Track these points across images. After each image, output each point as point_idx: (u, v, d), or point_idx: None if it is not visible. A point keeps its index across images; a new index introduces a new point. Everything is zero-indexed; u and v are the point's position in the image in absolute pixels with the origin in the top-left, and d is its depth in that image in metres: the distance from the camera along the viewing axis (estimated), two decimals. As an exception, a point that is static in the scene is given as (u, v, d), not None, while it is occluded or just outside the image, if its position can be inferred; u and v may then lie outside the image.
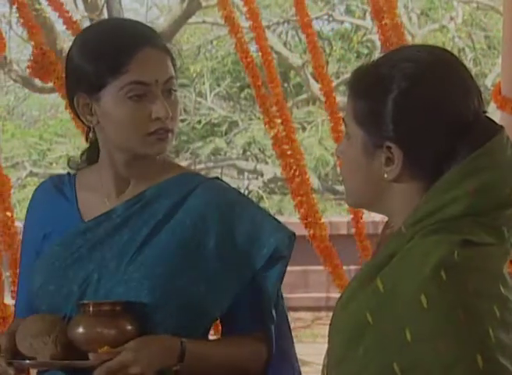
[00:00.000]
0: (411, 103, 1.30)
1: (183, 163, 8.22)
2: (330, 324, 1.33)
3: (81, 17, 8.28)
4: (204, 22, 10.58)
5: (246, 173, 11.05)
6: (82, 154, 1.83)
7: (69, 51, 1.76)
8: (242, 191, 11.15)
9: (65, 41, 7.78)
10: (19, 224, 3.87)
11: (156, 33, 1.75)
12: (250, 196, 10.61)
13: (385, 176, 1.32)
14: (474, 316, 1.21)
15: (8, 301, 4.21)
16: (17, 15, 4.53)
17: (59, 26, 7.81)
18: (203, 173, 11.05)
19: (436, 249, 1.24)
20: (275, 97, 5.07)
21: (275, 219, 1.77)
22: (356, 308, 1.27)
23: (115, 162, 1.74)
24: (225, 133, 11.90)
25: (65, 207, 1.78)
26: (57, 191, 1.80)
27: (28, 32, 3.77)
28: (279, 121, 5.24)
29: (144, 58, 1.68)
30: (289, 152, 5.24)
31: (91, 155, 1.80)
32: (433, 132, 1.30)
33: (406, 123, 1.30)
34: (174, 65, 1.74)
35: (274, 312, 1.74)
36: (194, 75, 11.79)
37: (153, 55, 1.69)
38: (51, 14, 7.53)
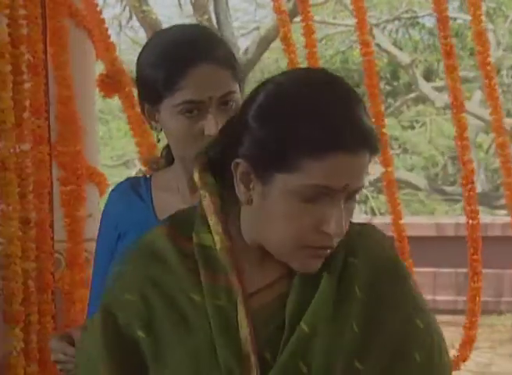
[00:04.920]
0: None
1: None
2: None
3: (185, 18, 8.34)
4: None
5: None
6: (161, 155, 1.85)
7: (139, 55, 1.77)
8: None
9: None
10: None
11: (218, 45, 1.72)
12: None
13: None
14: None
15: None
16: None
17: (166, 26, 7.90)
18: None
19: None
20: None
21: None
22: None
23: (185, 163, 1.75)
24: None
25: (141, 207, 1.80)
26: (133, 192, 1.82)
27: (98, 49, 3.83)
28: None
29: (197, 76, 1.67)
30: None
31: (169, 156, 1.81)
32: None
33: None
34: (236, 77, 1.71)
35: None
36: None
37: (208, 71, 1.67)
38: (161, 15, 7.61)
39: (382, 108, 5.17)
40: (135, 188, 1.83)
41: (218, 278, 1.29)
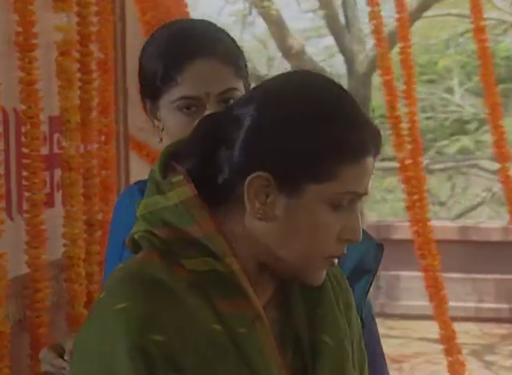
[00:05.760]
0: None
1: (426, 162, 7.94)
2: None
3: (304, 13, 8.21)
4: (448, 14, 10.17)
5: (490, 174, 10.52)
6: None
7: (141, 50, 1.71)
8: (485, 193, 10.52)
9: (296, 37, 7.75)
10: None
11: (221, 41, 1.65)
12: (492, 198, 10.05)
13: None
14: None
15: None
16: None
17: (288, 21, 7.79)
18: (449, 172, 10.52)
19: None
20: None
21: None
22: None
23: None
24: (474, 131, 11.38)
25: None
26: (142, 195, 1.73)
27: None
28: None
29: (195, 70, 1.61)
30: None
31: None
32: None
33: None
34: (240, 74, 1.64)
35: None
36: (443, 70, 11.37)
37: (206, 67, 1.61)
38: (282, 11, 7.52)
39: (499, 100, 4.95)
40: (144, 192, 1.75)
41: (234, 304, 1.22)
